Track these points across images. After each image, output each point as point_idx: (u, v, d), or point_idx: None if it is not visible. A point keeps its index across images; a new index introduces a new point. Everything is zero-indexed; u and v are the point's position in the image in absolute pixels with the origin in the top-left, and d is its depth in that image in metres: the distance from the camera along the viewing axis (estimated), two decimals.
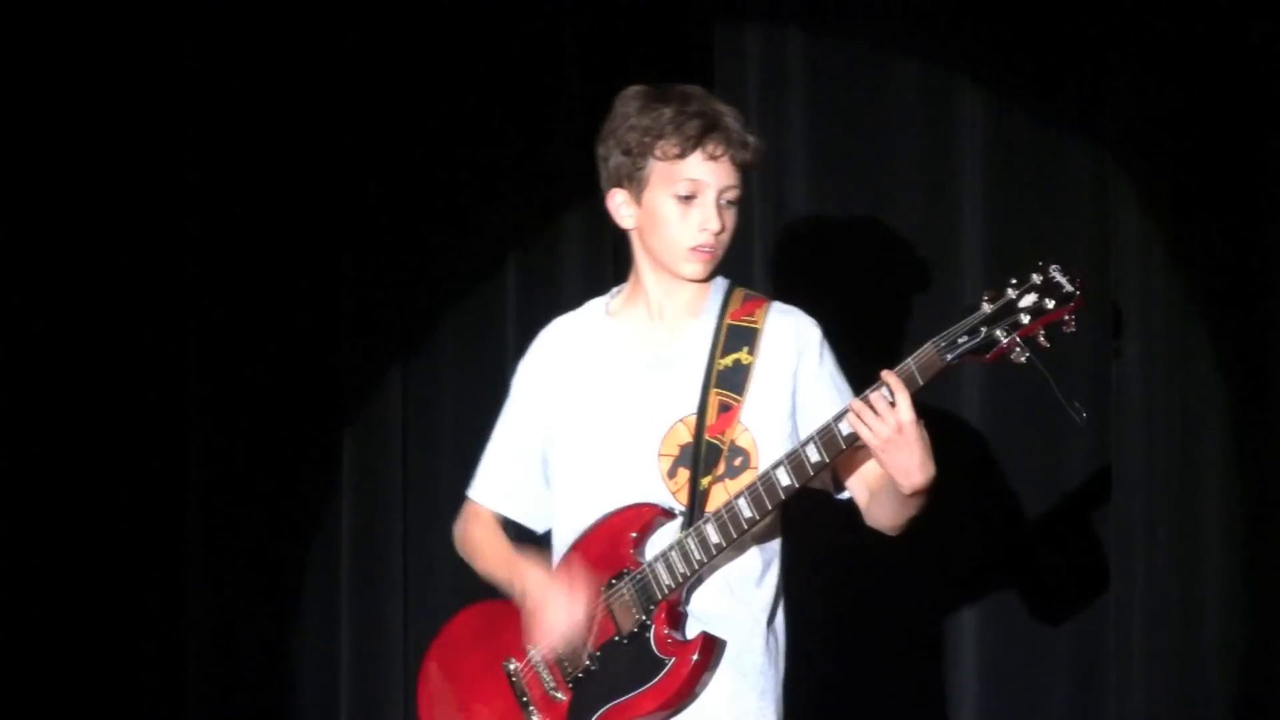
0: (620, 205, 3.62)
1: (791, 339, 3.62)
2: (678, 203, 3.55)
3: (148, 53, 5.31)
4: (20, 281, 5.19)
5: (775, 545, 3.65)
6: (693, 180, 3.54)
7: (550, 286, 5.34)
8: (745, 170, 3.57)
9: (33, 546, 5.22)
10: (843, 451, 3.41)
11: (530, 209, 5.39)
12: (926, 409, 4.66)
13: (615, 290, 3.74)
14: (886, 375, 3.35)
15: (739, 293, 3.67)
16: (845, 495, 3.64)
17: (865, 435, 3.36)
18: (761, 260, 5.07)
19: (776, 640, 3.65)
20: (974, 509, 4.84)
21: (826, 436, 3.40)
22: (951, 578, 4.90)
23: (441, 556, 4.89)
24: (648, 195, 3.57)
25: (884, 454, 3.37)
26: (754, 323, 3.62)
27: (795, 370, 3.61)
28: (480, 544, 3.78)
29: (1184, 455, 4.64)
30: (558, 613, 3.57)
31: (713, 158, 3.52)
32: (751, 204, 4.96)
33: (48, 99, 5.19)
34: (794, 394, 3.60)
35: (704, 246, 3.56)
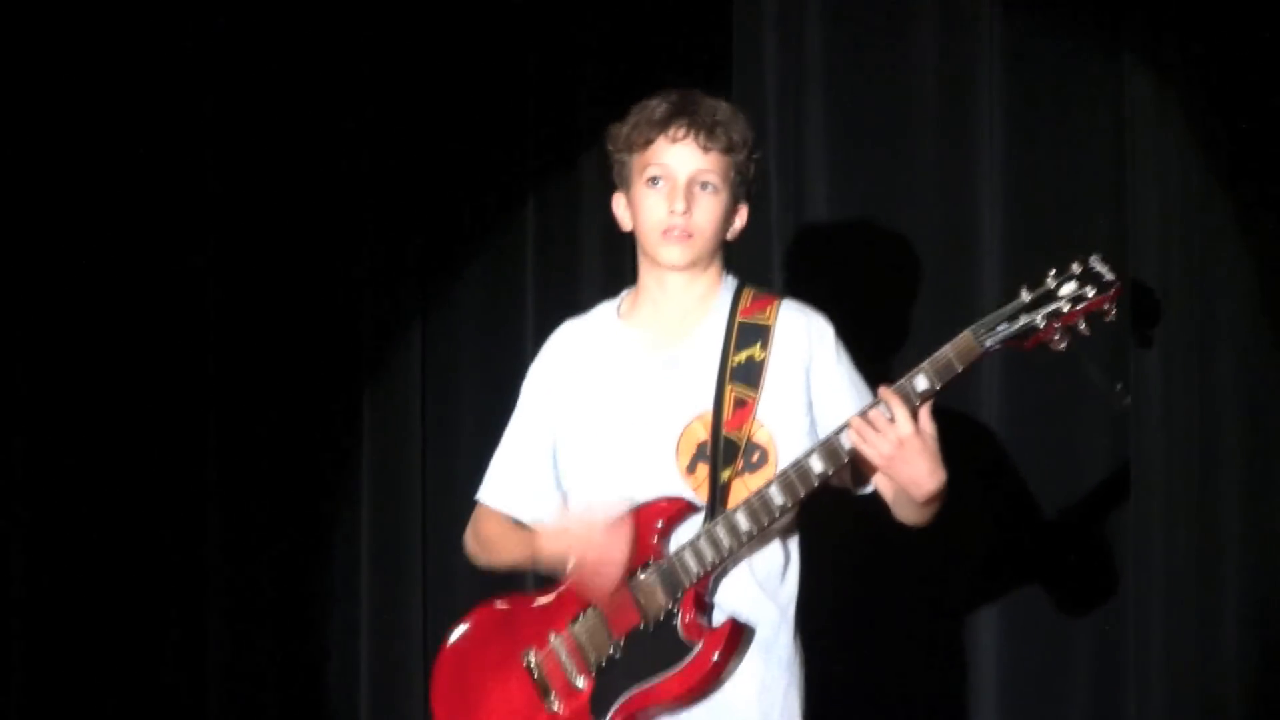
0: (620, 209, 3.72)
1: (804, 336, 3.66)
2: (649, 188, 3.62)
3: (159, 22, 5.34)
4: (33, 265, 5.24)
5: (795, 540, 3.68)
6: (660, 165, 3.61)
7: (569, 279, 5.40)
8: (725, 155, 3.61)
9: (52, 521, 5.27)
10: (844, 464, 3.48)
11: (550, 176, 5.45)
12: (940, 409, 4.70)
13: (625, 293, 3.79)
14: (884, 392, 3.42)
15: (748, 291, 3.71)
16: (868, 490, 3.67)
17: (867, 453, 3.43)
18: (780, 257, 5.05)
19: (798, 635, 3.68)
20: (992, 507, 4.80)
21: (829, 449, 3.47)
22: (969, 576, 4.88)
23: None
24: (631, 191, 3.67)
25: (889, 469, 3.45)
26: (765, 320, 3.65)
27: (809, 367, 3.64)
28: (493, 537, 3.80)
29: (1204, 452, 4.59)
30: (585, 536, 3.57)
31: (675, 140, 3.59)
32: (770, 201, 4.99)
33: (62, 91, 5.25)
34: (809, 390, 3.64)
35: (673, 228, 3.60)
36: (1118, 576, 4.72)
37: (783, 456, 3.59)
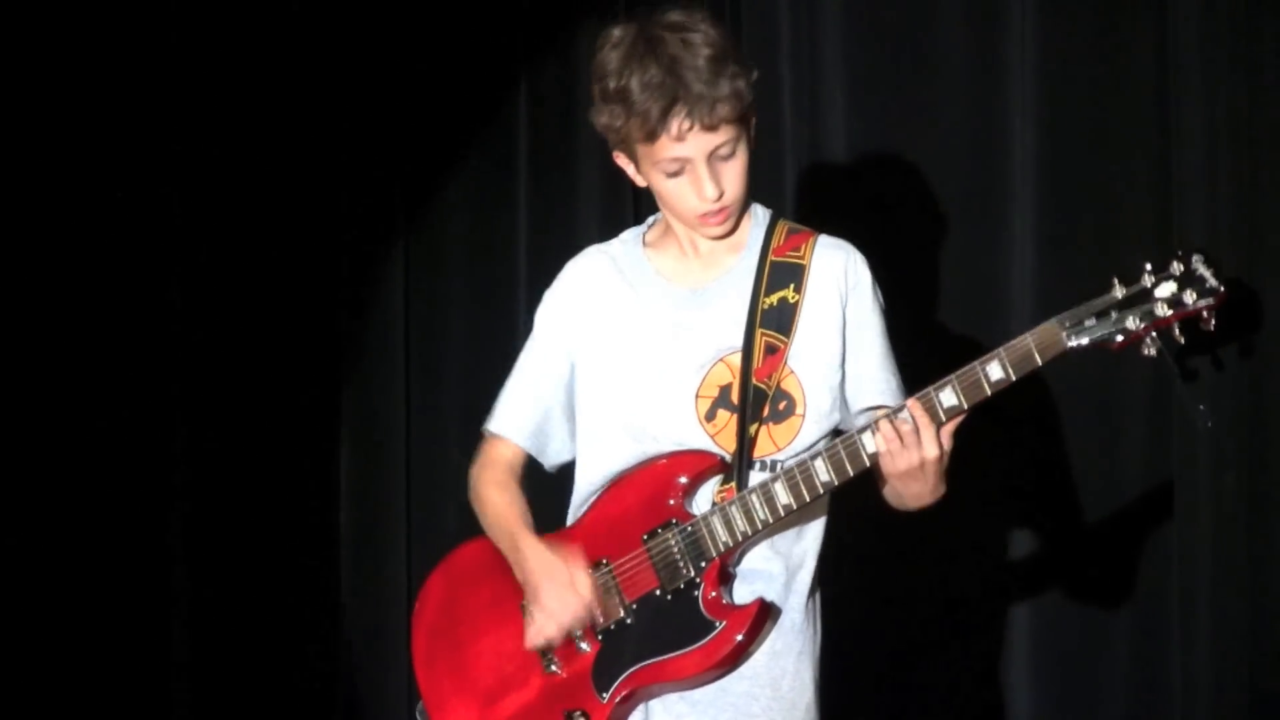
0: (626, 166, 3.54)
1: (840, 277, 3.51)
2: (669, 178, 3.45)
3: None
4: None
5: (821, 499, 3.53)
6: (673, 158, 3.43)
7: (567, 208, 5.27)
8: (735, 117, 3.41)
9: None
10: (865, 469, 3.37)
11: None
12: None
13: (652, 220, 3.64)
14: (912, 406, 3.30)
15: (782, 225, 3.56)
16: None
17: (884, 462, 3.33)
18: (794, 184, 4.90)
19: (815, 599, 3.55)
20: (1027, 448, 4.67)
21: (851, 450, 3.35)
22: (1001, 543, 4.76)
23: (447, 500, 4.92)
24: (643, 170, 3.49)
25: (895, 480, 3.37)
26: (799, 258, 3.51)
27: (844, 310, 3.51)
28: (489, 506, 3.64)
29: (1252, 393, 4.40)
30: (557, 599, 3.45)
31: (680, 138, 3.40)
32: (785, 119, 4.84)
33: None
34: (844, 337, 3.50)
35: (709, 212, 3.45)
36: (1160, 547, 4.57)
37: (810, 405, 3.46)
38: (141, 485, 5.28)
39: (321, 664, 5.43)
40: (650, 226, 3.62)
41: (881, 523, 4.41)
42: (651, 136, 3.38)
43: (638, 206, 4.90)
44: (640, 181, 3.51)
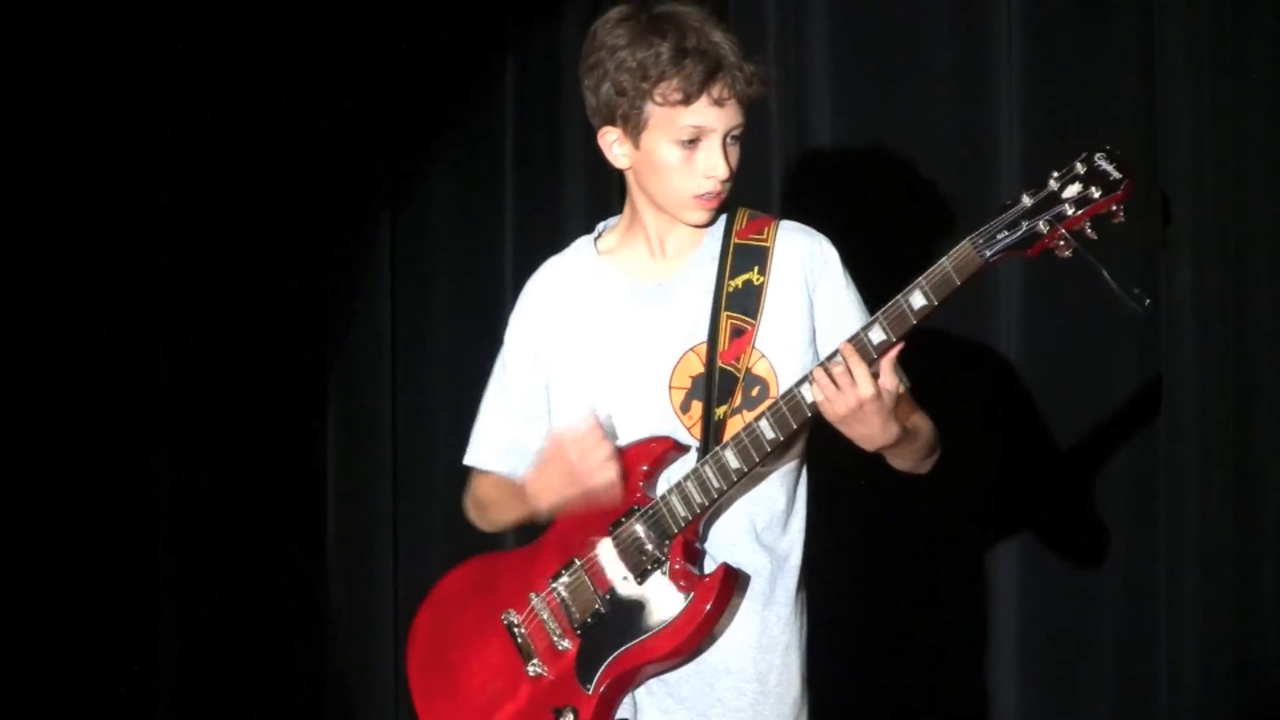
0: (613, 144, 3.48)
1: (805, 258, 3.50)
2: (680, 148, 3.42)
3: None
4: None
5: (802, 489, 3.53)
6: (698, 126, 3.40)
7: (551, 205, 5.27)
8: (751, 106, 3.43)
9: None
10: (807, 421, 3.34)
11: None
12: (951, 332, 4.49)
13: (602, 226, 3.63)
14: (844, 348, 3.26)
15: (743, 212, 3.54)
16: None
17: (824, 409, 3.28)
18: (781, 179, 4.88)
19: (802, 593, 3.52)
20: (1013, 446, 4.67)
21: (792, 403, 3.32)
22: (985, 522, 4.74)
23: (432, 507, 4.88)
24: (646, 139, 3.44)
25: (841, 426, 3.30)
26: (763, 241, 3.50)
27: (812, 294, 3.49)
28: (488, 500, 3.67)
29: (1240, 380, 4.41)
30: (570, 460, 3.39)
31: (719, 102, 3.39)
32: (771, 119, 4.81)
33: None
34: (812, 318, 3.48)
35: (709, 194, 3.44)
36: (1148, 521, 4.58)
37: (784, 389, 3.40)
38: (126, 498, 5.25)
39: (309, 671, 5.41)
40: (602, 235, 3.61)
41: (868, 517, 4.52)
42: (688, 98, 3.36)
43: (623, 204, 4.97)
44: (621, 162, 3.47)
